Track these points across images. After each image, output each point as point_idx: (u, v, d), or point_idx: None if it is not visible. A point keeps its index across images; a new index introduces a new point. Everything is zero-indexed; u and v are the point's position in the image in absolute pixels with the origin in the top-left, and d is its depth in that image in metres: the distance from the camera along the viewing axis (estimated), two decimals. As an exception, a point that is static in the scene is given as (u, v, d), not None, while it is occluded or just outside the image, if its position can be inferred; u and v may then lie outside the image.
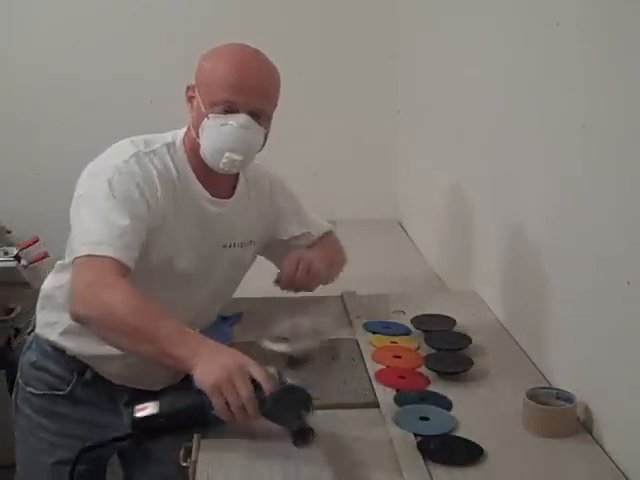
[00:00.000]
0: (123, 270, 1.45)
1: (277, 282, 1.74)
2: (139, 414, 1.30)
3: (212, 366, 1.28)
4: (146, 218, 1.52)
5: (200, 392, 1.28)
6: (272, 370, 1.30)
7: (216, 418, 1.29)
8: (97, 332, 1.44)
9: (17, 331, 2.71)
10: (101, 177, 1.53)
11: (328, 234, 1.92)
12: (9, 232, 2.96)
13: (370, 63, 3.09)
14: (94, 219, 1.50)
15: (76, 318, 1.44)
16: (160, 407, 1.30)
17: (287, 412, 1.28)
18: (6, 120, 3.02)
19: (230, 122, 1.53)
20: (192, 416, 1.31)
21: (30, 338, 1.78)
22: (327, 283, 1.84)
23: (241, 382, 1.27)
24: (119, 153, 1.58)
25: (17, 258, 2.72)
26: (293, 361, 1.37)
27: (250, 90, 1.53)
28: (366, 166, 3.13)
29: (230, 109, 1.53)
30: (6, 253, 2.80)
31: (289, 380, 1.32)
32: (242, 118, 1.53)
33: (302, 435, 1.27)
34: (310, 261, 1.72)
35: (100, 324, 1.42)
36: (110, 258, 1.44)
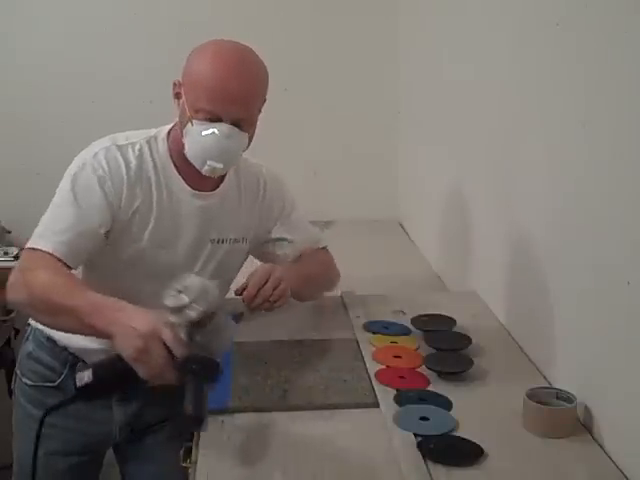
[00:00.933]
0: (61, 264, 1.50)
1: (239, 293, 1.66)
2: (78, 384, 1.36)
3: (128, 336, 1.30)
4: (103, 213, 1.56)
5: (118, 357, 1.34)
6: (182, 331, 1.31)
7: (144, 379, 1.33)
8: (30, 315, 1.54)
9: (17, 331, 2.71)
10: (69, 172, 1.60)
11: (321, 250, 1.87)
12: (9, 232, 2.97)
13: (370, 63, 3.08)
14: (48, 212, 1.57)
15: (10, 304, 1.51)
16: (94, 375, 1.36)
17: (193, 381, 1.30)
18: (6, 120, 3.02)
19: (212, 131, 1.53)
20: (123, 380, 1.36)
21: (29, 329, 1.80)
22: (305, 300, 1.83)
23: (155, 350, 1.28)
24: (92, 148, 1.62)
25: (17, 258, 2.72)
26: (195, 324, 1.37)
27: (233, 100, 1.52)
28: (366, 166, 3.13)
29: (213, 118, 1.53)
30: (6, 253, 2.80)
31: (199, 338, 1.32)
32: (225, 127, 1.53)
33: (195, 421, 1.28)
34: (281, 278, 1.64)
35: (27, 305, 1.47)
36: (48, 253, 1.49)
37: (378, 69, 3.10)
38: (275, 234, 1.80)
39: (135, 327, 1.29)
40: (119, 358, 1.34)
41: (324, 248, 1.88)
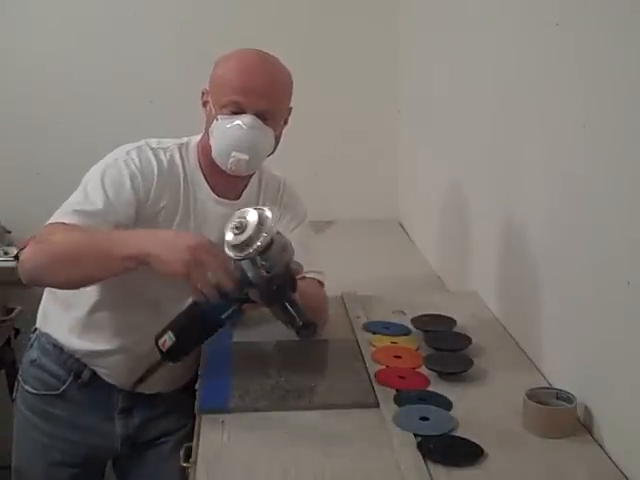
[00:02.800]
0: None
1: None
2: (164, 349, 1.38)
3: (174, 250, 1.32)
4: (129, 208, 1.56)
5: (194, 302, 1.36)
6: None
7: (223, 311, 1.36)
8: (48, 276, 1.49)
9: (17, 331, 2.71)
10: (101, 165, 1.61)
11: (316, 282, 1.72)
12: (9, 232, 2.96)
13: (370, 63, 3.08)
14: (73, 198, 1.57)
15: (26, 275, 1.51)
16: (175, 333, 1.37)
17: (283, 298, 1.35)
18: (6, 120, 3.01)
19: (237, 122, 1.56)
20: (203, 326, 1.38)
21: (33, 336, 1.80)
22: None
23: (206, 259, 1.30)
24: (124, 147, 1.63)
25: (17, 258, 2.71)
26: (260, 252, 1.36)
27: (256, 91, 1.56)
28: (366, 166, 3.12)
29: (237, 110, 1.56)
30: (6, 253, 2.80)
31: (265, 263, 1.32)
32: (248, 118, 1.56)
33: (306, 328, 1.33)
34: None
35: (48, 264, 1.47)
36: (73, 225, 1.49)
37: (378, 69, 3.10)
38: None
39: (180, 243, 1.32)
40: (189, 309, 1.37)
41: (322, 285, 1.75)
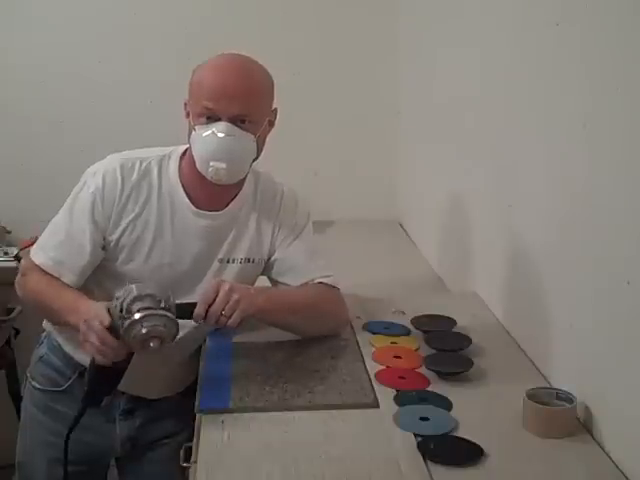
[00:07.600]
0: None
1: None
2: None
3: (78, 325, 1.44)
4: (92, 234, 1.61)
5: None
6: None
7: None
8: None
9: (17, 331, 2.71)
10: (75, 189, 1.65)
11: (324, 286, 1.71)
12: (9, 232, 2.96)
13: (370, 63, 3.08)
14: (49, 226, 1.67)
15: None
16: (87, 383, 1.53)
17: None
18: (6, 120, 3.02)
19: (211, 130, 1.53)
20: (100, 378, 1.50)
21: (44, 334, 1.83)
22: (296, 333, 1.68)
23: (94, 329, 1.39)
24: (101, 163, 1.66)
25: (17, 258, 2.72)
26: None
27: (228, 95, 1.53)
28: (366, 166, 3.12)
29: (212, 117, 1.54)
30: (6, 253, 2.80)
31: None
32: (222, 125, 1.53)
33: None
34: (231, 291, 1.50)
35: (23, 302, 1.69)
36: (39, 266, 1.62)
37: (378, 69, 3.10)
38: (277, 269, 1.72)
39: (82, 315, 1.43)
40: (91, 362, 1.48)
41: (332, 287, 1.72)
